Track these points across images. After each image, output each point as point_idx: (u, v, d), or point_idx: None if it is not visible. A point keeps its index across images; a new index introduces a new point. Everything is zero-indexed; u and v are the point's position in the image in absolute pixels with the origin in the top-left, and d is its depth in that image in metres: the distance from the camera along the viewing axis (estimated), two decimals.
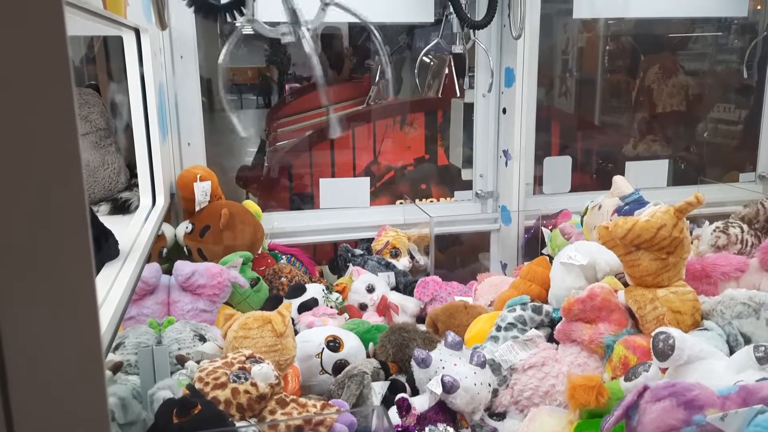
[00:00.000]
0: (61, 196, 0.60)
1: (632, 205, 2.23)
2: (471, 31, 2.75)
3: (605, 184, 2.53)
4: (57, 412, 0.66)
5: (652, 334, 1.56)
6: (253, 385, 1.58)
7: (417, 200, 3.38)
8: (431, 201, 3.51)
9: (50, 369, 0.65)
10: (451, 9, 2.64)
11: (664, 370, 1.57)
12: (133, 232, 1.92)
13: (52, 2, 0.53)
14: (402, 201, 3.38)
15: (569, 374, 1.73)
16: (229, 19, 1.63)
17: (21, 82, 0.56)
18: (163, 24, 1.83)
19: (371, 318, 2.47)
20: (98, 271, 1.55)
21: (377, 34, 1.72)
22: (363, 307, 2.54)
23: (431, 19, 2.85)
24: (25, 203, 0.59)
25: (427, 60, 4.31)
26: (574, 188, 3.32)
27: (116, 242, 1.66)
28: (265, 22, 1.65)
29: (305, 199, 3.76)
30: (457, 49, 2.76)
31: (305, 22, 1.60)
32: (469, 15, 2.66)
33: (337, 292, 2.55)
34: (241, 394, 1.56)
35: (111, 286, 1.45)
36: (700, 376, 1.47)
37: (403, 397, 1.71)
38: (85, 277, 0.64)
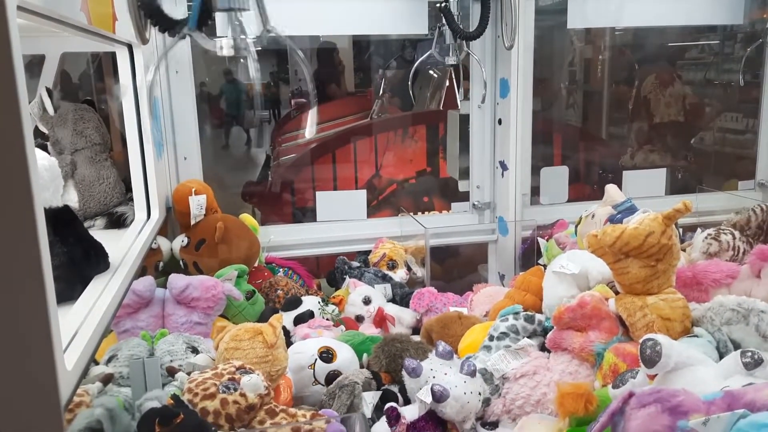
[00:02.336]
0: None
1: (624, 213, 2.23)
2: (464, 42, 2.76)
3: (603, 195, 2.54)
4: None
5: (640, 341, 1.56)
6: (242, 395, 1.59)
7: (419, 213, 3.38)
8: (434, 214, 3.51)
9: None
10: (444, 20, 2.66)
11: (652, 377, 1.57)
12: (125, 245, 1.94)
13: None
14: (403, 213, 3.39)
15: (558, 382, 1.73)
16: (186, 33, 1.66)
17: None
18: (143, 39, 1.85)
19: (368, 330, 2.47)
20: (87, 283, 1.56)
21: (301, 54, 1.75)
22: (359, 319, 2.55)
23: (425, 30, 2.87)
24: None
25: (432, 72, 4.34)
26: (575, 199, 3.32)
27: (106, 255, 1.67)
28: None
29: (307, 213, 3.77)
30: (451, 60, 2.77)
31: (251, 40, 1.63)
32: (461, 26, 2.68)
33: (333, 304, 2.56)
34: (230, 405, 1.57)
35: (97, 299, 1.46)
36: (688, 382, 1.47)
37: (391, 406, 1.71)
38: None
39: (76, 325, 1.30)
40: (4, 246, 0.58)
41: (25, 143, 0.60)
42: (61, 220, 1.54)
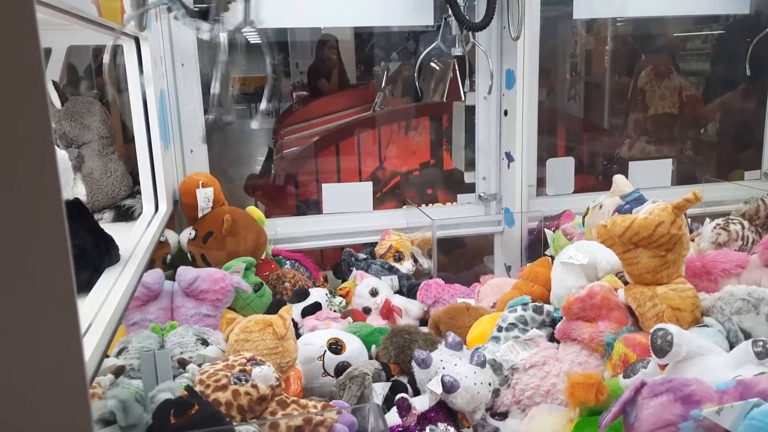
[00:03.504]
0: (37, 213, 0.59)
1: (632, 203, 2.23)
2: (471, 33, 2.75)
3: (609, 186, 2.53)
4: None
5: (651, 330, 1.56)
6: (254, 386, 1.59)
7: (422, 205, 3.38)
8: (437, 205, 3.51)
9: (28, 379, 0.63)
10: (450, 11, 2.65)
11: (663, 367, 1.57)
12: (134, 238, 1.94)
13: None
14: (409, 205, 3.39)
15: (569, 372, 1.73)
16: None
17: None
18: (141, 26, 1.85)
19: (375, 321, 2.48)
20: (99, 276, 1.56)
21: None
22: (367, 310, 2.55)
23: (431, 22, 2.86)
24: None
25: (433, 65, 4.34)
26: (580, 190, 3.32)
27: (117, 248, 1.67)
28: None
29: (311, 206, 3.77)
30: (457, 51, 2.76)
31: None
32: (468, 17, 2.67)
33: (340, 296, 2.56)
34: (242, 396, 1.57)
35: (110, 291, 1.46)
36: (699, 372, 1.47)
37: (402, 397, 1.71)
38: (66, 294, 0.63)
39: (90, 316, 1.30)
40: (35, 238, 0.58)
41: (51, 138, 0.60)
42: (73, 213, 1.54)
